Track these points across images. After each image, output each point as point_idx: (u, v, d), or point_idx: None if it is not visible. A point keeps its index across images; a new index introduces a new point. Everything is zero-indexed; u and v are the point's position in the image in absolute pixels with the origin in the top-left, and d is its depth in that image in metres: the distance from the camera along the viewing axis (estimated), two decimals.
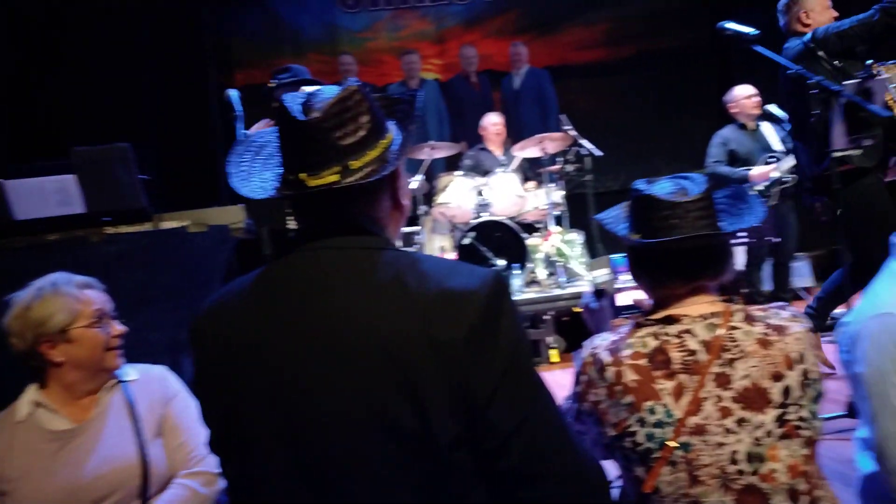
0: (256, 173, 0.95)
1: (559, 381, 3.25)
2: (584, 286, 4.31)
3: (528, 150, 4.82)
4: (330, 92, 0.90)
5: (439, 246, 4.97)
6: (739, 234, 3.66)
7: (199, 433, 1.49)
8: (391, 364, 0.80)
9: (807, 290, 5.01)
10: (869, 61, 2.52)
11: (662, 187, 1.19)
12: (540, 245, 4.63)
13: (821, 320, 3.15)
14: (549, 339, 4.09)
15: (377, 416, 0.80)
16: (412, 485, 0.81)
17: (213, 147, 5.71)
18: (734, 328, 1.12)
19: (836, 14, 2.92)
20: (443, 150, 5.09)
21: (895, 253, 1.30)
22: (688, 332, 1.13)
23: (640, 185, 1.22)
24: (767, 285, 4.42)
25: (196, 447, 1.51)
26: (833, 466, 1.78)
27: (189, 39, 5.98)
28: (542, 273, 4.58)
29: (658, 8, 6.77)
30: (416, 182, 4.72)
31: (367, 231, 0.91)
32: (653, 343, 1.14)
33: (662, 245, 1.15)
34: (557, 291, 4.32)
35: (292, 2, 6.55)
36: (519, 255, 4.43)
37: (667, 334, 1.14)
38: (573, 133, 4.77)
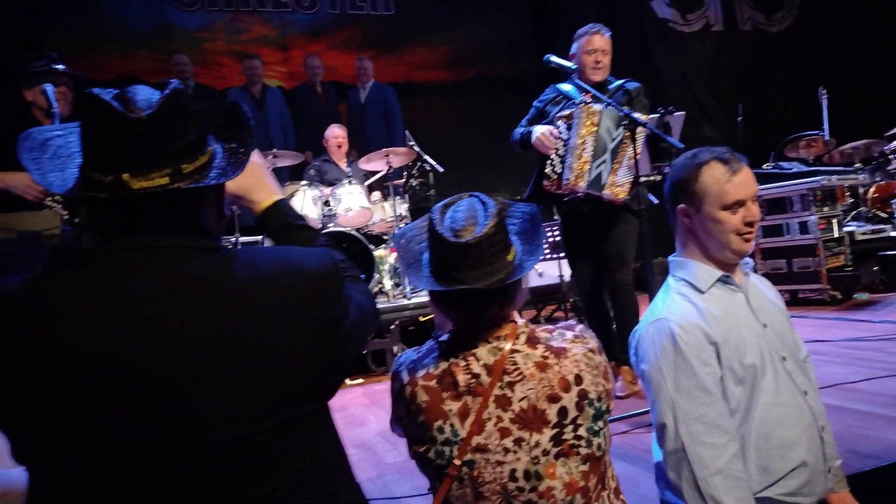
0: (56, 172, 0.87)
1: None
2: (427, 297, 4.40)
3: (374, 163, 4.89)
4: (148, 91, 0.85)
5: None
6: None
7: None
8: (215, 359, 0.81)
9: None
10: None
11: (453, 220, 1.18)
12: (386, 256, 4.70)
13: None
14: (395, 349, 4.16)
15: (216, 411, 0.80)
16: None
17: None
18: (516, 351, 1.17)
19: None
20: (286, 159, 5.01)
21: (672, 271, 1.53)
22: (473, 355, 1.17)
23: (435, 214, 1.20)
24: None
25: None
26: (644, 457, 2.02)
27: None
28: (388, 283, 4.65)
29: (494, 35, 7.26)
30: None
31: (193, 235, 0.88)
32: (443, 365, 1.17)
33: (452, 292, 1.17)
34: (403, 301, 4.41)
35: None
36: (366, 265, 4.46)
37: (455, 357, 1.18)
38: (417, 149, 4.92)
